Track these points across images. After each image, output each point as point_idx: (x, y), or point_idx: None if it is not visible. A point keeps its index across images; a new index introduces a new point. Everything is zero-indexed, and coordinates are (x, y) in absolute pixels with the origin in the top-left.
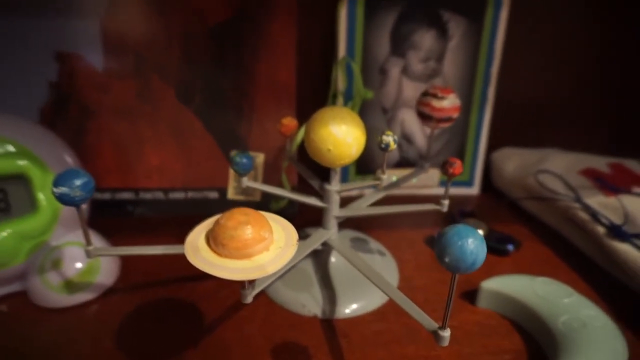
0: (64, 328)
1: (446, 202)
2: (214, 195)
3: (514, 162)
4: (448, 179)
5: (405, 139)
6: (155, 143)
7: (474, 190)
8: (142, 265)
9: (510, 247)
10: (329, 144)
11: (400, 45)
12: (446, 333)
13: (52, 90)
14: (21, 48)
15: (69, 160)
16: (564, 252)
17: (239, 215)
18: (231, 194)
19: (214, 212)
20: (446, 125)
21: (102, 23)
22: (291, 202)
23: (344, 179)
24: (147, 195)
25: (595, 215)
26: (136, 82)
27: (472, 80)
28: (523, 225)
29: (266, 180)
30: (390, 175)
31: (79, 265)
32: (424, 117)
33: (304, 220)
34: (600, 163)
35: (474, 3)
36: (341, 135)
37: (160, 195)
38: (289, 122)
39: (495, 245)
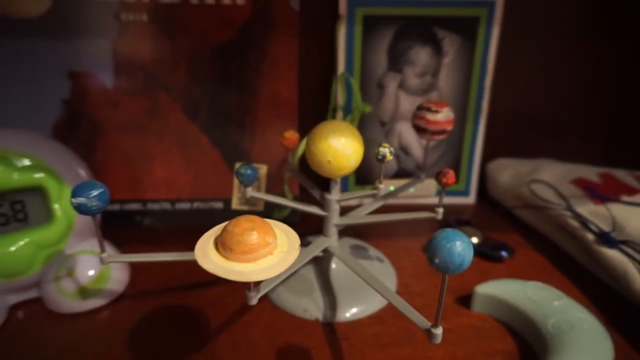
0: (77, 333)
1: (440, 210)
2: (219, 205)
3: (508, 172)
4: (442, 189)
5: (403, 150)
6: (163, 157)
7: (470, 199)
8: (151, 274)
9: (504, 254)
10: (329, 156)
11: (397, 61)
12: (438, 331)
13: (65, 108)
14: (36, 67)
15: (82, 173)
16: (556, 258)
17: (245, 222)
18: (236, 204)
19: (219, 222)
20: (440, 137)
21: (114, 44)
22: (293, 212)
23: (344, 189)
24: (155, 206)
25: (585, 223)
26: (145, 99)
27: (467, 94)
28: (517, 233)
29: (269, 191)
30: (388, 186)
31: (91, 273)
32: (419, 130)
33: (306, 228)
34: (591, 173)
35: (467, 21)
36: (340, 147)
37: (167, 206)
38: (291, 135)
39: (490, 252)
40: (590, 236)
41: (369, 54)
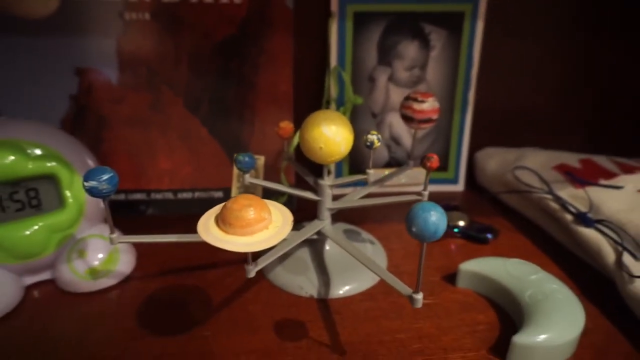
0: (89, 310)
1: (426, 192)
2: (219, 194)
3: (495, 160)
4: (427, 172)
5: (394, 140)
6: (166, 149)
7: (459, 187)
8: (156, 257)
9: (489, 236)
10: (321, 142)
11: (386, 55)
12: (419, 296)
13: (72, 103)
14: (45, 64)
15: (90, 162)
16: (538, 239)
17: (243, 200)
18: (234, 193)
19: None
20: (427, 126)
21: (118, 42)
22: (290, 199)
23: (338, 177)
24: (158, 196)
25: (564, 205)
26: (148, 94)
27: (454, 86)
28: (503, 217)
29: (267, 180)
30: (380, 173)
31: (101, 255)
32: (406, 119)
33: (302, 214)
34: (572, 159)
35: (453, 16)
36: (331, 134)
37: (170, 195)
38: (286, 125)
39: (476, 235)
40: (568, 217)
41: (359, 48)
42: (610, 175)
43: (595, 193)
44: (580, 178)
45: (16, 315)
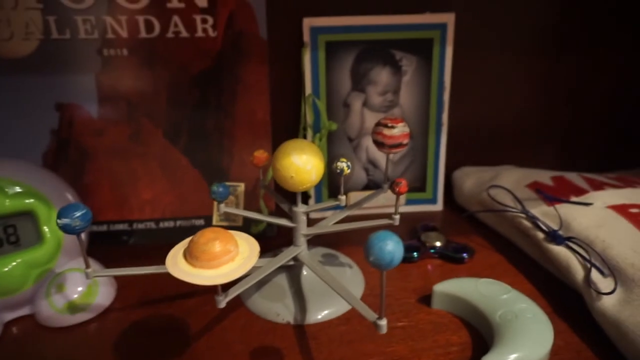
0: (69, 344)
1: (397, 217)
2: (200, 222)
3: (471, 179)
4: (397, 197)
5: (371, 163)
6: (147, 179)
7: (439, 206)
8: (135, 288)
9: (465, 256)
10: (292, 171)
11: (360, 82)
12: (383, 322)
13: (54, 137)
14: (26, 101)
15: (70, 197)
16: (512, 256)
17: (209, 233)
18: (215, 221)
19: None
20: (398, 150)
21: (97, 77)
22: (270, 226)
23: (318, 202)
24: (140, 226)
25: (536, 223)
26: (128, 126)
27: (427, 109)
28: (479, 235)
29: (247, 207)
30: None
31: (80, 288)
32: (378, 144)
33: (283, 240)
34: (545, 177)
35: (422, 42)
36: (302, 163)
37: (152, 225)
38: (260, 154)
39: (452, 255)
40: (540, 234)
41: (333, 76)
42: (581, 191)
43: (566, 210)
44: (551, 195)
45: None
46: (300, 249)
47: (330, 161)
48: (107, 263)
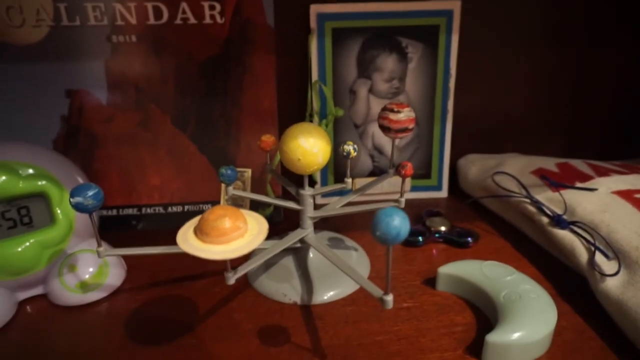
0: (80, 323)
1: (403, 199)
2: (208, 207)
3: (476, 166)
4: (403, 180)
5: (377, 150)
6: (156, 165)
7: (443, 193)
8: (146, 269)
9: (469, 240)
10: (299, 154)
11: (366, 69)
12: (389, 297)
13: (64, 123)
14: (37, 88)
15: (80, 179)
16: (516, 241)
17: (219, 210)
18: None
19: None
20: (404, 135)
21: (107, 64)
22: (277, 209)
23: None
24: (149, 211)
25: (541, 208)
26: (137, 113)
27: (433, 96)
28: (484, 221)
29: (254, 192)
30: (363, 181)
31: (91, 269)
32: (384, 129)
33: (289, 224)
34: (550, 163)
35: (428, 29)
36: (309, 146)
37: (160, 210)
38: (267, 138)
39: (457, 239)
40: (545, 219)
41: (339, 63)
42: (585, 178)
43: (571, 195)
44: (556, 181)
45: (10, 330)
46: (307, 231)
47: (336, 148)
48: (117, 247)
